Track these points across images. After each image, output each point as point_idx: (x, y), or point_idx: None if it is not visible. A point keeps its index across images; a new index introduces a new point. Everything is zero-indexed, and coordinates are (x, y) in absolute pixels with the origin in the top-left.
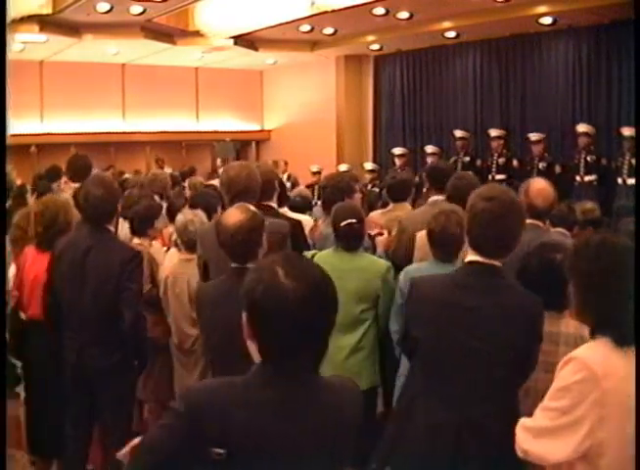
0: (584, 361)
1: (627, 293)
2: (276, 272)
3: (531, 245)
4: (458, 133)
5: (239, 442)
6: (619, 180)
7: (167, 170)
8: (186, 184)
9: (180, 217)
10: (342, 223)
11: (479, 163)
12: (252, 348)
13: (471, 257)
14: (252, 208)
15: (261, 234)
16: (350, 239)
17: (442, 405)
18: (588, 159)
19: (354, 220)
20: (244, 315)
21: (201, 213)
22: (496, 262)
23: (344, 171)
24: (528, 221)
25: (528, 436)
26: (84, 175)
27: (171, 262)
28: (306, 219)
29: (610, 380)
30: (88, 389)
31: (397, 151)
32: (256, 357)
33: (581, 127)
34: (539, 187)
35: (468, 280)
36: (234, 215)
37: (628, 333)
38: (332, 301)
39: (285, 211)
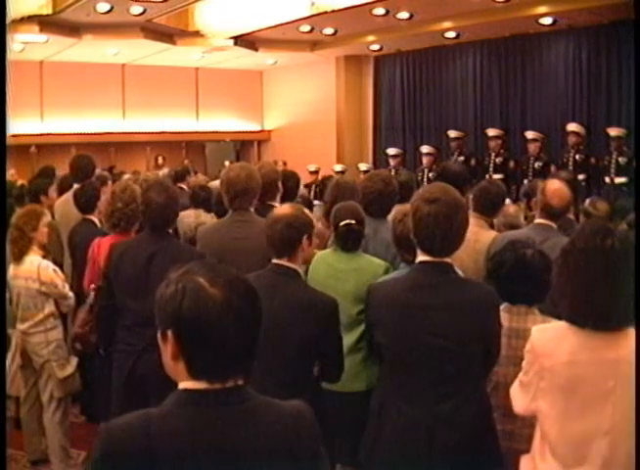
0: (531, 337)
1: (589, 274)
2: (199, 281)
3: (544, 245)
4: (452, 134)
5: None
6: (607, 179)
7: (165, 170)
8: (184, 185)
9: (181, 214)
10: (341, 224)
11: (473, 162)
12: (178, 369)
13: (421, 257)
14: (303, 207)
15: (300, 233)
16: (348, 240)
17: (411, 404)
18: (577, 157)
19: (353, 221)
20: (163, 333)
21: (203, 214)
22: (447, 259)
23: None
24: (540, 221)
25: (515, 382)
26: (87, 176)
27: None
28: None
29: (549, 360)
30: (143, 395)
31: (391, 151)
32: (181, 379)
33: (571, 127)
34: (555, 187)
35: (422, 279)
36: (281, 209)
37: (581, 314)
38: (260, 310)
39: None
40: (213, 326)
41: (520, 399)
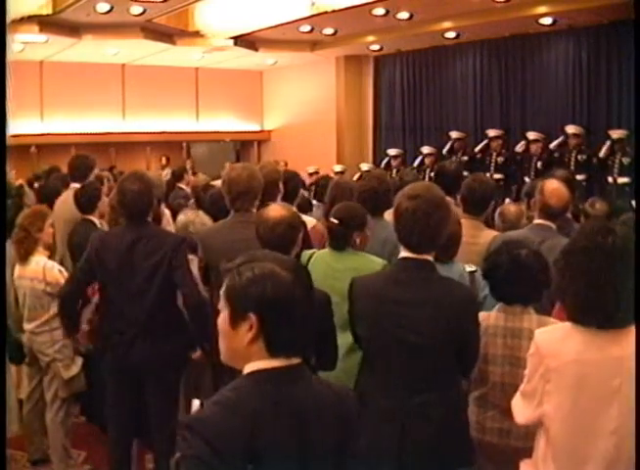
0: (535, 339)
1: (592, 273)
2: (270, 266)
3: (542, 246)
4: (454, 134)
5: (263, 453)
6: (610, 179)
7: (168, 170)
8: (183, 185)
9: (181, 217)
10: (327, 223)
11: (476, 163)
12: (251, 350)
13: (403, 253)
14: (292, 207)
15: (298, 232)
16: (333, 239)
17: (387, 398)
18: (579, 158)
19: (336, 220)
20: (241, 317)
21: (202, 214)
22: (427, 257)
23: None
24: (539, 222)
25: (517, 393)
26: (86, 176)
27: None
28: (309, 220)
29: (555, 360)
30: (136, 381)
31: (392, 152)
32: (254, 359)
33: (570, 129)
34: (554, 187)
35: (401, 275)
36: (275, 210)
37: (586, 313)
38: (313, 288)
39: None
40: (292, 304)
41: (522, 409)
